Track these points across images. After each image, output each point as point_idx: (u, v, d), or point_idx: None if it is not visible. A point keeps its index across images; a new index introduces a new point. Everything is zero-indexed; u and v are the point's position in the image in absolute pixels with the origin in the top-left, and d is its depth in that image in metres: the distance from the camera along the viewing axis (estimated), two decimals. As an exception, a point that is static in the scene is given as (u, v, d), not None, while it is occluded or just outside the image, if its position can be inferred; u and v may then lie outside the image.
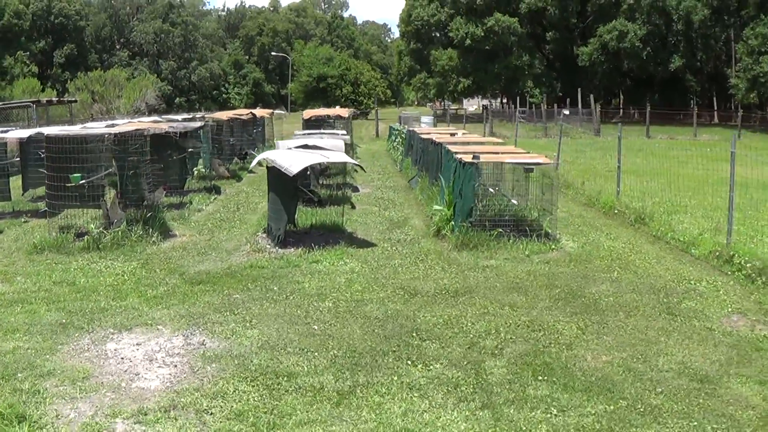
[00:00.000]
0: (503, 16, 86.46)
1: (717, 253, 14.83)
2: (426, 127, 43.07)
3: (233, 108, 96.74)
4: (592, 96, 64.65)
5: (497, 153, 18.12)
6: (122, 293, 12.69)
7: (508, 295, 12.44)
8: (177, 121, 30.59)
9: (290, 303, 12.07)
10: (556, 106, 70.10)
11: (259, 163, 20.30)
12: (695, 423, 7.78)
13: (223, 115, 35.09)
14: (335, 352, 9.82)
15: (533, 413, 7.97)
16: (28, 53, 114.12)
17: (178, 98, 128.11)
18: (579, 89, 69.52)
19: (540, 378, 8.89)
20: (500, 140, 24.58)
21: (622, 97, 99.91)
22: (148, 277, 13.76)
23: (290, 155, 16.41)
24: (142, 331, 10.76)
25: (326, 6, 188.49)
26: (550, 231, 16.45)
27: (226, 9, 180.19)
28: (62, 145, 16.74)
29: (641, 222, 18.53)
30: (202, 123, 26.97)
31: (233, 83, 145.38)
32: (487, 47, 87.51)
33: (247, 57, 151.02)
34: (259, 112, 40.47)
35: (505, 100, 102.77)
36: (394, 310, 11.67)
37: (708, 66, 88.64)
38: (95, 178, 16.81)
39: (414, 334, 10.47)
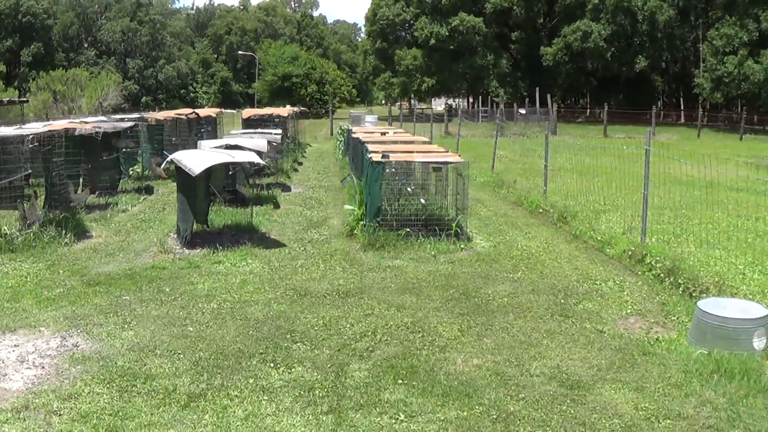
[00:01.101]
0: (468, 16, 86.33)
1: (630, 253, 14.60)
2: (370, 126, 42.88)
3: (201, 107, 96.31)
4: (549, 96, 64.53)
5: (412, 152, 17.85)
6: (19, 295, 12.42)
7: (400, 296, 12.19)
8: (111, 121, 30.03)
9: (176, 304, 11.82)
10: (515, 105, 70.06)
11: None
12: (549, 431, 7.53)
13: (161, 114, 34.73)
14: (201, 354, 9.59)
15: (379, 418, 7.72)
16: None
17: (144, 97, 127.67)
18: (538, 89, 69.47)
19: (400, 382, 8.63)
20: (427, 139, 24.28)
21: (589, 97, 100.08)
22: (50, 279, 13.47)
23: (196, 155, 16.14)
24: (24, 332, 10.53)
25: (296, 5, 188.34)
26: (459, 230, 16.18)
27: (195, 8, 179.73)
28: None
29: (563, 221, 18.33)
30: (132, 123, 26.56)
31: (201, 82, 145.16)
32: (451, 47, 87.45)
33: (215, 56, 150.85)
34: (205, 111, 40.09)
35: (472, 100, 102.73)
36: (277, 311, 11.42)
37: (676, 66, 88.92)
38: (8, 180, 16.55)
39: (288, 336, 10.23)
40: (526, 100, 72.63)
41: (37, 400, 8.20)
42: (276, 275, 13.60)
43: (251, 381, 8.70)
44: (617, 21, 79.99)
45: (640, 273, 13.72)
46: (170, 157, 16.80)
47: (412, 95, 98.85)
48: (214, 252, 15.21)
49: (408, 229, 15.79)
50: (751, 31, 67.99)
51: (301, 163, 35.90)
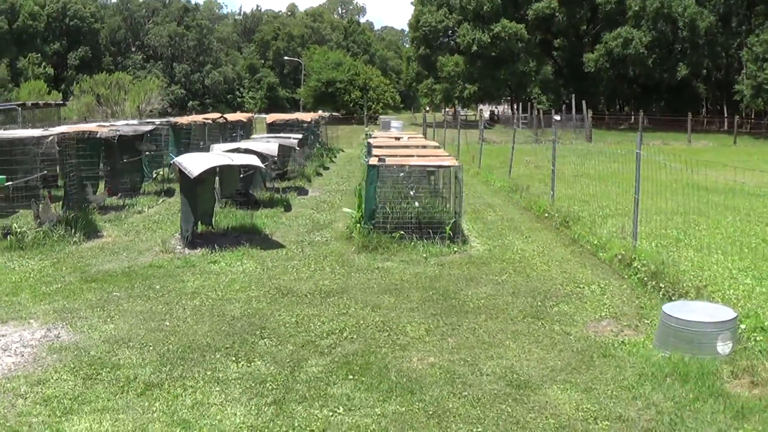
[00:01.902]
0: (510, 23, 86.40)
1: (620, 257, 14.65)
2: (395, 131, 43.06)
3: (248, 112, 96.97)
4: (584, 102, 64.34)
5: (411, 156, 18.11)
6: (19, 289, 12.92)
7: (379, 296, 12.42)
8: (143, 124, 30.51)
9: (161, 300, 12.19)
10: (552, 111, 69.97)
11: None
12: (479, 428, 7.64)
13: (188, 119, 35.27)
14: (170, 346, 9.94)
15: (318, 411, 7.95)
16: (39, 55, 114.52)
17: (191, 102, 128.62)
18: (573, 96, 69.37)
19: (351, 377, 8.85)
20: (437, 144, 24.43)
21: (632, 104, 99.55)
22: (51, 275, 13.91)
23: (197, 158, 16.48)
24: (14, 324, 10.99)
25: (343, 11, 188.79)
26: (453, 233, 16.34)
27: (242, 13, 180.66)
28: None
29: (565, 225, 18.43)
30: (153, 127, 26.96)
31: (248, 87, 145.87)
32: (493, 53, 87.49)
33: (262, 61, 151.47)
34: (236, 116, 40.60)
35: (516, 107, 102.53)
36: (255, 308, 11.72)
37: (719, 73, 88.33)
38: (21, 180, 16.98)
39: (257, 332, 10.51)
40: (563, 106, 72.48)
41: (8, 385, 8.65)
42: (265, 275, 13.91)
43: (209, 373, 9.01)
44: (658, 28, 79.72)
45: (626, 277, 13.75)
46: (174, 159, 17.15)
47: (455, 101, 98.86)
48: (212, 252, 15.59)
49: (402, 232, 16.02)
50: (790, 37, 67.69)
51: (327, 168, 36.28)
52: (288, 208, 21.73)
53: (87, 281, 13.45)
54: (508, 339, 10.36)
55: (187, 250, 15.83)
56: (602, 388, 8.64)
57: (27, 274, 14.00)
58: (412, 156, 18.18)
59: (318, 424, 7.69)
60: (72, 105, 76.17)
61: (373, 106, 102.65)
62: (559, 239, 17.55)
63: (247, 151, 19.31)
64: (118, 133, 22.44)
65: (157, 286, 13.06)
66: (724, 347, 9.45)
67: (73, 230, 16.93)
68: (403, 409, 8.05)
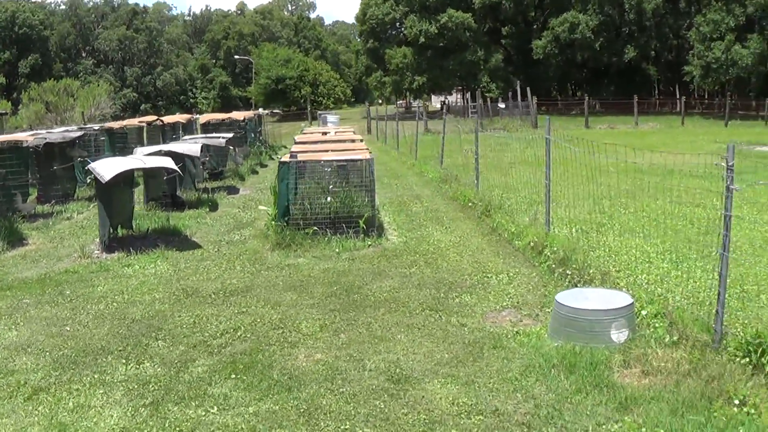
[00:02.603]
0: (457, 12, 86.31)
1: (533, 245, 14.72)
2: (331, 125, 43.16)
3: (201, 112, 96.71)
4: (528, 89, 64.72)
5: (326, 151, 18.22)
6: (-68, 301, 12.87)
7: (282, 294, 12.51)
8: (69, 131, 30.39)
9: (67, 306, 12.24)
10: (500, 99, 70.34)
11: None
12: (347, 426, 7.67)
13: (122, 123, 35.24)
14: (66, 351, 10.02)
15: (192, 411, 8.05)
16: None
17: (143, 105, 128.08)
18: (519, 82, 69.74)
19: (233, 376, 8.93)
20: (360, 138, 24.46)
21: (584, 88, 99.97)
22: (-32, 286, 13.88)
23: (110, 163, 16.49)
24: None
25: (293, 8, 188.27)
26: (367, 227, 16.43)
27: (191, 13, 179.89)
28: None
29: (487, 215, 18.53)
30: (82, 133, 26.84)
31: (200, 87, 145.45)
32: (441, 44, 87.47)
33: (213, 61, 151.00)
34: (174, 118, 40.56)
35: (467, 96, 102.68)
36: (157, 310, 11.79)
37: (670, 55, 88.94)
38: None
39: (153, 334, 10.60)
40: (510, 94, 72.88)
41: None
42: (175, 276, 13.99)
43: (96, 376, 9.11)
44: (604, 11, 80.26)
45: (537, 264, 13.82)
46: (89, 165, 17.16)
47: (407, 93, 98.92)
48: (128, 255, 15.64)
49: (315, 228, 16.10)
50: (737, 15, 68.32)
51: (266, 165, 36.26)
52: (214, 207, 21.82)
53: (2, 290, 13.49)
54: (401, 333, 10.39)
55: (104, 255, 15.87)
56: (484, 381, 8.60)
57: (-56, 285, 13.96)
58: (327, 151, 18.26)
59: (188, 424, 7.78)
60: (22, 113, 75.73)
61: (324, 101, 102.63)
62: (479, 229, 17.66)
63: (168, 153, 19.35)
64: (44, 141, 22.40)
65: (68, 292, 13.11)
66: (619, 335, 9.30)
67: (-4, 239, 16.91)
68: (277, 407, 8.12)
